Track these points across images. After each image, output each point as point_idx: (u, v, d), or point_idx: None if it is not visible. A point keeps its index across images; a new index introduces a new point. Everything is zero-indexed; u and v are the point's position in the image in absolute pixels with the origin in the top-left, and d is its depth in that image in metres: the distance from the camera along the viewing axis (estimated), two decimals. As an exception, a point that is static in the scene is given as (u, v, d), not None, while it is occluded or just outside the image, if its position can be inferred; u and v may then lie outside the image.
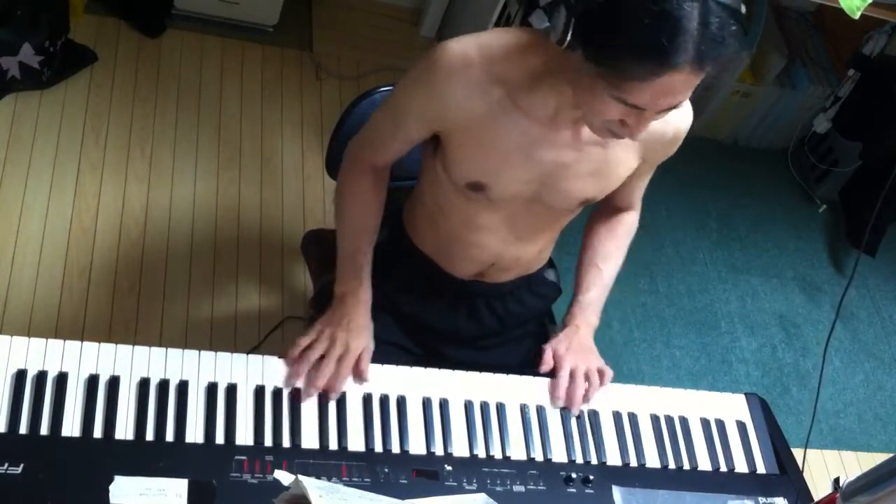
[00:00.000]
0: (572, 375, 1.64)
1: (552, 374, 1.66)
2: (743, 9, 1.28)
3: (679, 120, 1.58)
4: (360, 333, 1.58)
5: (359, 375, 1.55)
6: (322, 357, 1.54)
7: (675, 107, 1.35)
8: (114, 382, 1.42)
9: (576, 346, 1.68)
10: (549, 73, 1.44)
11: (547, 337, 1.92)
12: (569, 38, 1.30)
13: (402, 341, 1.79)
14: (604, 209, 1.80)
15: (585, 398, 1.64)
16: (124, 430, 1.38)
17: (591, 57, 1.30)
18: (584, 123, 1.44)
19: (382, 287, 1.69)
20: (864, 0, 2.23)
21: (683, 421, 1.68)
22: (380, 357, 1.60)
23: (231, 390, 1.47)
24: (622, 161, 1.58)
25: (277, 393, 1.49)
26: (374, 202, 1.69)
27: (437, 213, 1.68)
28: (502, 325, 1.84)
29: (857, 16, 2.24)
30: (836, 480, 1.45)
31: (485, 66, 1.45)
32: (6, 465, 1.29)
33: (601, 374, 1.67)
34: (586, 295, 1.73)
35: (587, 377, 1.65)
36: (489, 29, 2.88)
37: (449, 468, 1.48)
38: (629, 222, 1.81)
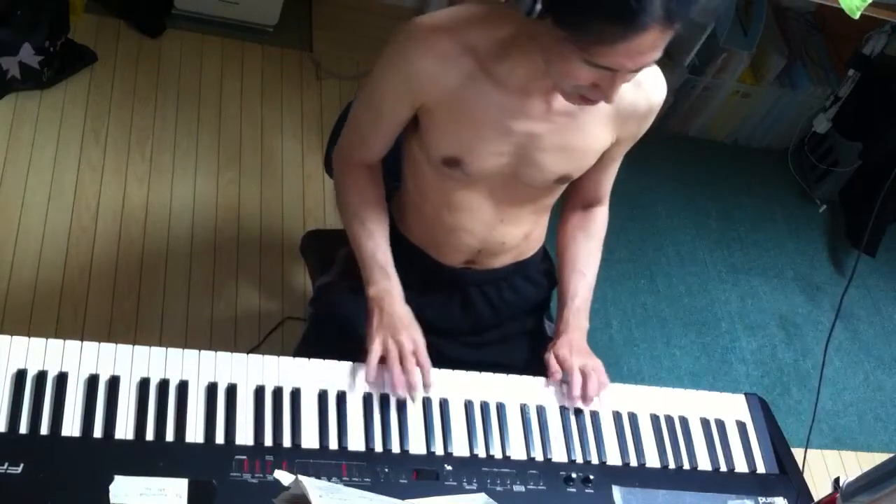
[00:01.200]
0: (582, 373, 1.64)
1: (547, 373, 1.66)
2: None
3: (652, 94, 1.58)
4: (413, 326, 1.61)
5: (420, 365, 1.58)
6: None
7: (647, 65, 1.35)
8: (114, 382, 1.42)
9: (576, 349, 1.68)
10: (518, 42, 1.45)
11: (546, 336, 1.93)
12: (538, 6, 1.30)
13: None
14: (574, 207, 1.79)
15: (595, 393, 1.64)
16: (124, 430, 1.38)
17: (560, 22, 1.31)
18: (556, 90, 1.45)
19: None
20: (864, 0, 2.23)
21: (683, 421, 1.68)
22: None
23: (231, 390, 1.47)
24: (596, 135, 1.58)
25: (277, 393, 1.49)
26: (377, 198, 1.70)
27: (419, 198, 1.69)
28: (498, 315, 1.84)
29: (857, 16, 2.24)
30: (836, 480, 1.45)
31: (454, 37, 1.46)
32: (6, 465, 1.29)
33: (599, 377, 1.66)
34: (575, 300, 1.73)
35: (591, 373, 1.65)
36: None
37: (449, 468, 1.48)
38: (601, 219, 1.80)
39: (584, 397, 1.63)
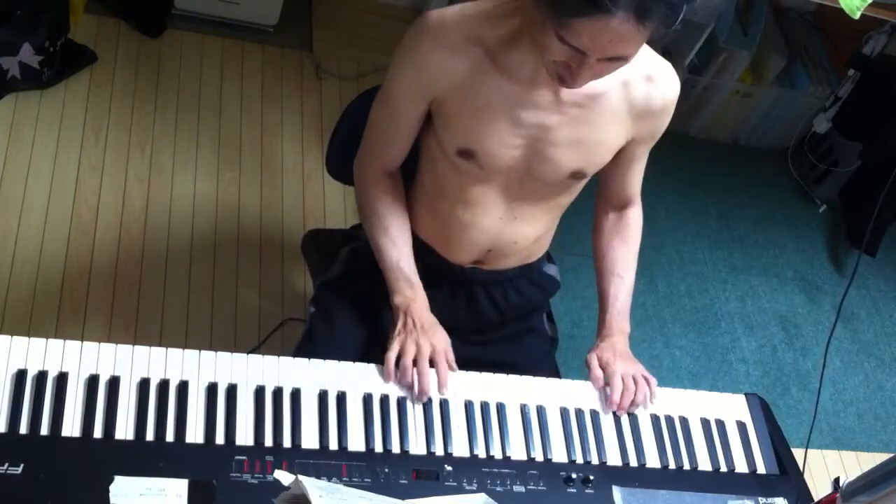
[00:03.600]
0: (623, 381, 1.65)
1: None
2: None
3: (666, 90, 1.59)
4: (435, 331, 1.62)
5: (449, 366, 1.59)
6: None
7: (619, 59, 1.36)
8: (114, 382, 1.42)
9: (619, 353, 1.69)
10: (526, 32, 1.47)
11: (546, 335, 1.93)
12: None
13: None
14: (606, 210, 1.81)
15: (634, 403, 1.65)
16: (124, 430, 1.38)
17: None
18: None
19: (382, 282, 1.69)
20: (864, 0, 2.23)
21: (683, 421, 1.68)
22: (381, 356, 1.60)
23: (231, 390, 1.47)
24: (608, 130, 1.59)
25: (277, 393, 1.49)
26: (399, 206, 1.71)
27: (435, 193, 1.69)
28: (501, 316, 1.84)
29: (857, 16, 2.24)
30: (836, 480, 1.45)
31: (462, 29, 1.49)
32: (6, 465, 1.29)
33: (647, 380, 1.68)
34: (615, 305, 1.74)
35: (636, 382, 1.66)
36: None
37: (449, 468, 1.48)
38: (635, 221, 1.81)
39: (630, 404, 1.64)
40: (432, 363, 1.59)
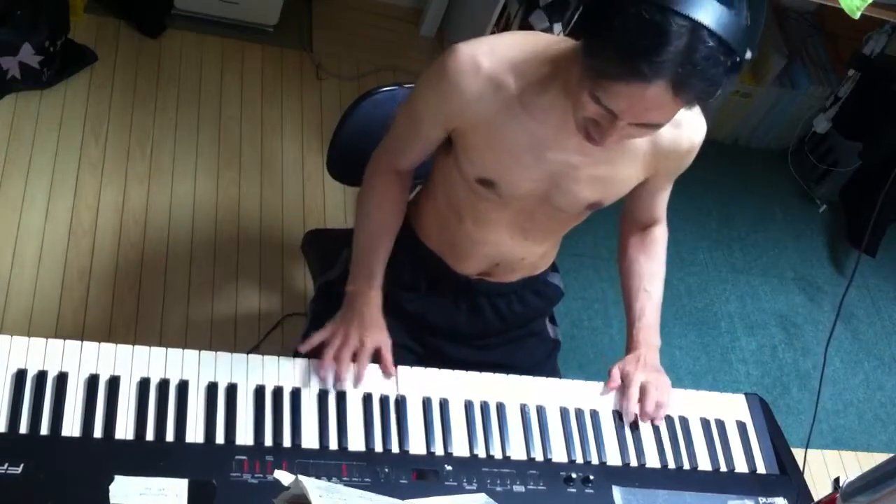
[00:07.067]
0: (642, 389, 1.64)
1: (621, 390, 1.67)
2: (749, 55, 1.27)
3: (693, 133, 1.59)
4: (372, 329, 1.60)
5: (385, 370, 1.57)
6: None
7: (651, 126, 1.36)
8: (114, 382, 1.42)
9: (643, 365, 1.67)
10: (559, 77, 1.46)
11: (548, 338, 1.93)
12: (570, 26, 1.32)
13: (404, 340, 1.80)
14: (632, 229, 1.80)
15: (653, 413, 1.64)
16: (124, 430, 1.38)
17: (583, 48, 1.33)
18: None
19: (385, 285, 1.69)
20: (864, 0, 2.23)
21: (683, 421, 1.68)
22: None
23: (231, 390, 1.47)
24: (630, 168, 1.59)
25: (277, 393, 1.49)
26: (393, 206, 1.70)
27: (448, 210, 1.69)
28: (504, 325, 1.84)
29: (857, 16, 2.24)
30: (836, 480, 1.45)
31: (495, 70, 1.47)
32: (6, 465, 1.29)
33: (659, 390, 1.66)
34: (643, 319, 1.73)
35: (647, 391, 1.65)
36: (490, 30, 2.88)
37: (449, 468, 1.48)
38: (660, 237, 1.81)
39: (641, 414, 1.64)
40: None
